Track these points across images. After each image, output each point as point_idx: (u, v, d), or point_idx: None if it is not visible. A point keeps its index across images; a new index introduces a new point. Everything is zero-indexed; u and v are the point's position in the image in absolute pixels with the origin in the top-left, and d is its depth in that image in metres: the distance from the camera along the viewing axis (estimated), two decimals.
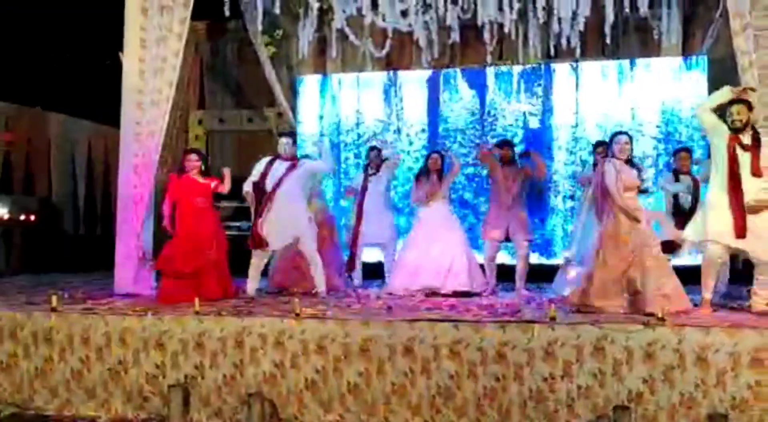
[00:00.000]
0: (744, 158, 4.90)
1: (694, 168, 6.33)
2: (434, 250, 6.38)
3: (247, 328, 4.85)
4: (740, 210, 4.86)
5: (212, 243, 5.92)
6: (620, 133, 5.44)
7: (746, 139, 4.94)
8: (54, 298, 5.11)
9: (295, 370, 4.75)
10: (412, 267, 6.40)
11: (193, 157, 6.09)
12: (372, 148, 7.22)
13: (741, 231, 4.84)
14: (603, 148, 6.10)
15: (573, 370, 4.39)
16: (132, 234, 6.21)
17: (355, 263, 7.06)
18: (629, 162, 5.22)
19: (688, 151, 6.56)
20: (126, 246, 6.22)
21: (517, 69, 7.91)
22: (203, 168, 6.09)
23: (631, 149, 5.26)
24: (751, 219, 4.87)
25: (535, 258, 7.24)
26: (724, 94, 4.95)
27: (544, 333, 4.48)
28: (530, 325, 4.54)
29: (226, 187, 6.06)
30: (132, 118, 6.26)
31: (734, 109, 4.95)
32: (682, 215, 5.92)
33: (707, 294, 5.07)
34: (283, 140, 6.30)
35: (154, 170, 6.28)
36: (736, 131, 4.94)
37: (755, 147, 4.91)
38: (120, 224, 6.30)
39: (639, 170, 5.29)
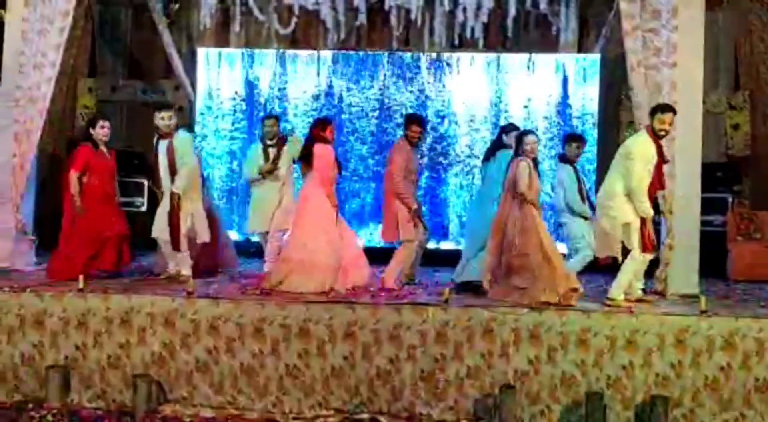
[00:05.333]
0: None
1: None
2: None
3: (135, 307, 4.67)
4: None
5: (113, 225, 5.47)
6: (528, 132, 5.36)
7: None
8: None
9: (186, 351, 4.62)
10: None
11: (107, 123, 5.52)
12: (269, 117, 6.36)
13: None
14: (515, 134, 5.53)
15: (463, 351, 4.53)
16: (11, 205, 5.84)
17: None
18: (535, 161, 5.19)
19: (583, 140, 5.98)
20: (4, 219, 5.85)
21: (422, 57, 7.95)
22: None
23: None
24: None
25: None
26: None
27: (438, 315, 4.59)
28: (424, 308, 4.64)
29: None
30: (12, 81, 5.86)
31: (667, 117, 4.87)
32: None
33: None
34: (159, 114, 5.50)
35: (36, 139, 5.93)
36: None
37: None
38: None
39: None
